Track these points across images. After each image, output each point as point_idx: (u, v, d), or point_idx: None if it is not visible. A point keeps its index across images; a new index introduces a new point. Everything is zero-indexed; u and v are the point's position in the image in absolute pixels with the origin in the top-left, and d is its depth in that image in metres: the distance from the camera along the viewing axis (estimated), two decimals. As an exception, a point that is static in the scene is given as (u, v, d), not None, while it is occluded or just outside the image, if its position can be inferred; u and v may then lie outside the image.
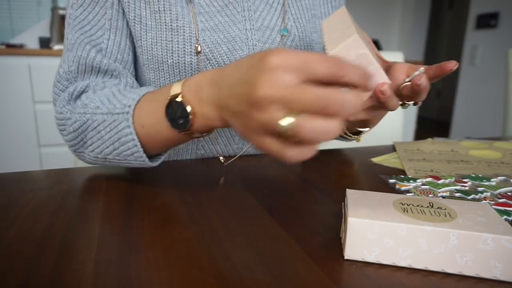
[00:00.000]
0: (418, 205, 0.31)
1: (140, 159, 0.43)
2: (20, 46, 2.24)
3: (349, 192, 0.33)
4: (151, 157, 0.46)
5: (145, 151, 0.44)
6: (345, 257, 0.29)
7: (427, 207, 0.30)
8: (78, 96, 0.49)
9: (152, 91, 0.44)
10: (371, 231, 0.28)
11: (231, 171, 0.51)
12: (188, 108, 0.36)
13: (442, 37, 5.23)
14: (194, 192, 0.44)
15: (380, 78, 0.42)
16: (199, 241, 0.32)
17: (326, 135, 0.26)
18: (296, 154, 0.28)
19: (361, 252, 0.29)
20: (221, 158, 0.56)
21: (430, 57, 5.30)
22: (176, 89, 0.37)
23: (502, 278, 0.27)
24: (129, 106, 0.42)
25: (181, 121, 0.37)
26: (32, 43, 2.50)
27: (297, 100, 0.26)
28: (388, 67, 0.48)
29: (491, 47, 2.78)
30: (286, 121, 0.26)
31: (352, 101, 0.26)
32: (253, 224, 0.35)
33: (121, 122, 0.42)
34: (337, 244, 0.32)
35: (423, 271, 0.28)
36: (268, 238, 0.32)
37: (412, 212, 0.29)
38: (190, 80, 0.37)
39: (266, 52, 0.28)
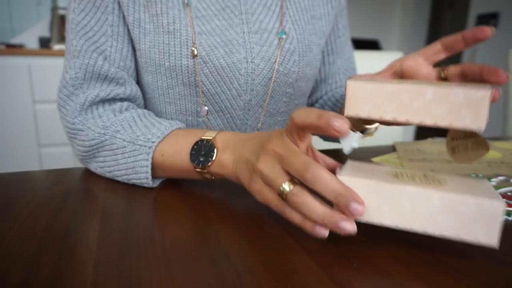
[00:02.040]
0: (412, 175, 0.31)
1: (146, 185, 0.45)
2: (20, 46, 2.24)
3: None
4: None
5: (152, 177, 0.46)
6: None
7: (421, 177, 0.31)
8: (90, 106, 0.50)
9: (183, 129, 0.47)
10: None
11: (231, 171, 0.51)
12: (215, 150, 0.41)
13: (442, 37, 5.24)
14: (194, 192, 0.44)
15: None
16: (199, 241, 0.32)
17: (311, 213, 0.30)
18: (290, 215, 0.32)
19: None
20: None
21: (430, 57, 5.29)
22: (210, 134, 0.43)
23: (482, 241, 0.27)
24: (153, 142, 0.45)
25: (202, 158, 0.41)
26: (32, 43, 2.50)
27: (277, 177, 0.32)
28: (401, 70, 0.45)
29: (491, 47, 2.78)
30: (286, 187, 0.32)
31: (326, 178, 0.30)
32: (253, 225, 0.35)
33: (141, 154, 0.45)
34: (337, 244, 0.32)
35: (420, 267, 0.28)
36: (268, 238, 0.32)
37: (403, 177, 0.30)
38: (223, 134, 0.42)
39: (269, 137, 0.35)
